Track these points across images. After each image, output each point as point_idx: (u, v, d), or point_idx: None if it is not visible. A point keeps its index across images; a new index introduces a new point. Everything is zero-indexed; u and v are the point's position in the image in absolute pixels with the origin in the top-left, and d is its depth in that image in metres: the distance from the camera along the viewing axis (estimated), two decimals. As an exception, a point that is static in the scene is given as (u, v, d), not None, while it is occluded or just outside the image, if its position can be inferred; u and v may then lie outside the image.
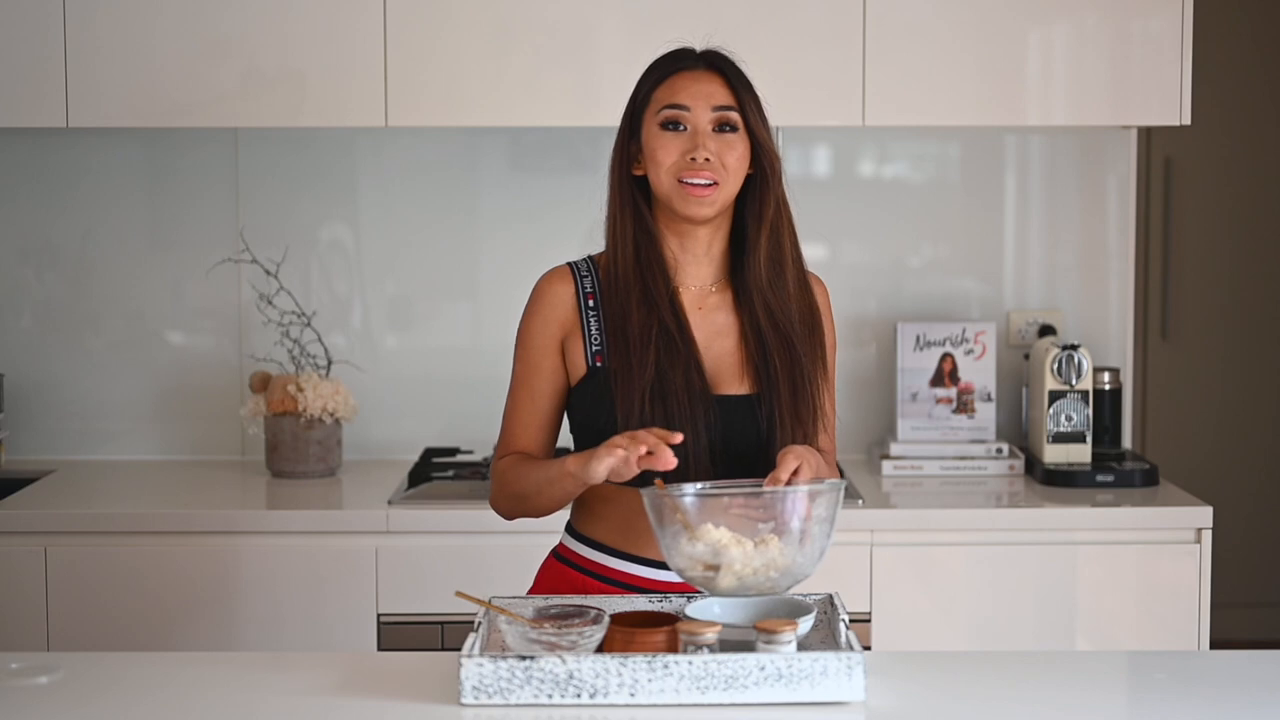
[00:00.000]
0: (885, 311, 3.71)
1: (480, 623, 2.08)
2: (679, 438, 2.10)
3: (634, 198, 2.30)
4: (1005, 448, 3.53)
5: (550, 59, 3.31)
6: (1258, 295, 5.11)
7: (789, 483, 2.08)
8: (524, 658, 1.94)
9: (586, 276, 2.32)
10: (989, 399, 3.57)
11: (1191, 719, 1.97)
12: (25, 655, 2.26)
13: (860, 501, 3.22)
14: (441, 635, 3.12)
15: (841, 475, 3.37)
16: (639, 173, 2.30)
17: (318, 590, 3.14)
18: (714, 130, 2.25)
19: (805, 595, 2.18)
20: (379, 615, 3.14)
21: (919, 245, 3.73)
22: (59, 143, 3.66)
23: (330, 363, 3.54)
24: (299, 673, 2.13)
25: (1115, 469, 3.41)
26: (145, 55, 3.30)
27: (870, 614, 3.15)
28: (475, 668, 1.94)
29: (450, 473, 3.42)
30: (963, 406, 3.57)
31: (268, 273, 3.59)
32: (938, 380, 3.58)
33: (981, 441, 3.55)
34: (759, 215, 2.29)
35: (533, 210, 3.69)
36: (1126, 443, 3.68)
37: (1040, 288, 3.73)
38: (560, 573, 2.35)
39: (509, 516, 2.36)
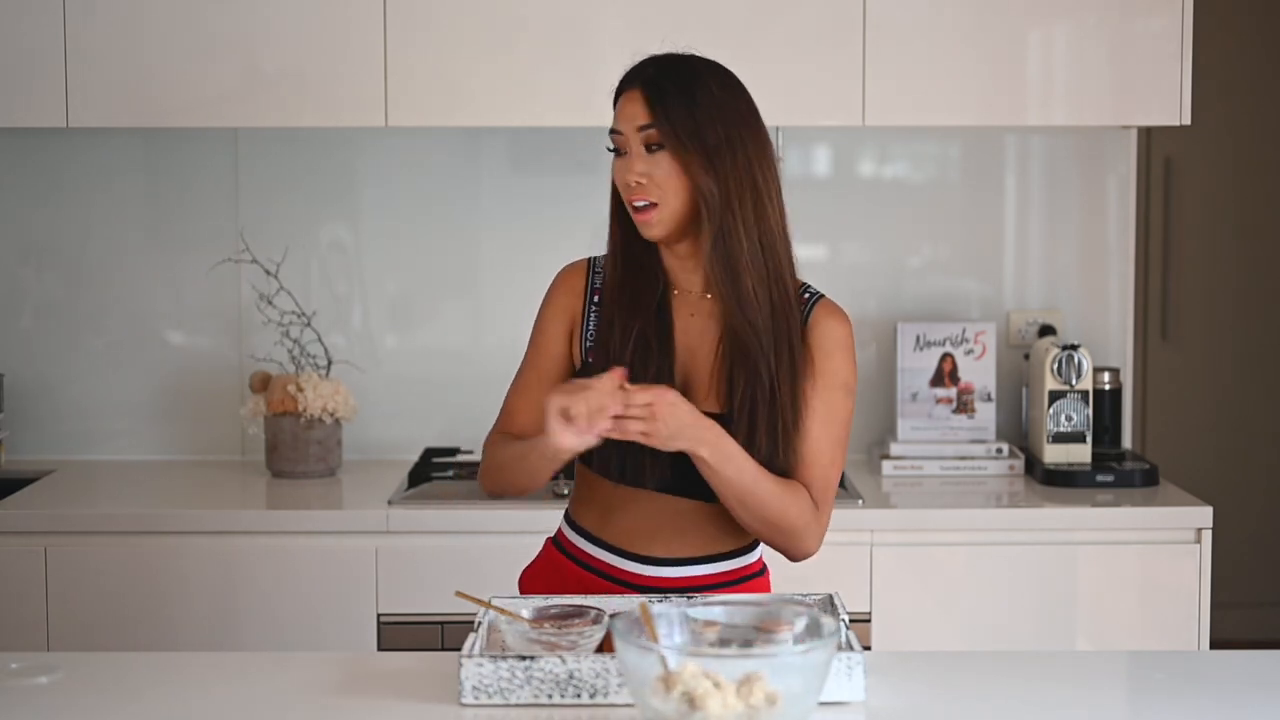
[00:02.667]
0: (885, 311, 3.71)
1: (480, 623, 2.08)
2: (619, 374, 2.08)
3: (622, 205, 2.28)
4: (1005, 448, 3.53)
5: (550, 59, 3.31)
6: (1258, 295, 5.11)
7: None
8: (524, 658, 1.94)
9: (599, 274, 2.35)
10: (989, 399, 3.57)
11: (1191, 719, 1.97)
12: (25, 655, 2.26)
13: (860, 501, 3.22)
14: (441, 635, 3.11)
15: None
16: None
17: (318, 590, 3.14)
18: (645, 150, 2.20)
19: (805, 595, 2.18)
20: (379, 615, 3.14)
21: (919, 245, 3.73)
22: (59, 143, 3.66)
23: (330, 363, 3.54)
24: (299, 673, 2.13)
25: (1115, 469, 3.40)
26: (145, 55, 3.30)
27: (870, 614, 3.15)
28: (475, 668, 1.94)
29: (450, 473, 3.42)
30: (963, 406, 3.57)
31: (268, 273, 3.58)
32: (938, 380, 3.58)
33: (981, 441, 3.54)
34: (701, 230, 2.22)
35: (533, 210, 3.69)
36: (1126, 443, 3.68)
37: (1040, 288, 3.73)
38: (550, 556, 2.39)
39: (491, 491, 2.36)
